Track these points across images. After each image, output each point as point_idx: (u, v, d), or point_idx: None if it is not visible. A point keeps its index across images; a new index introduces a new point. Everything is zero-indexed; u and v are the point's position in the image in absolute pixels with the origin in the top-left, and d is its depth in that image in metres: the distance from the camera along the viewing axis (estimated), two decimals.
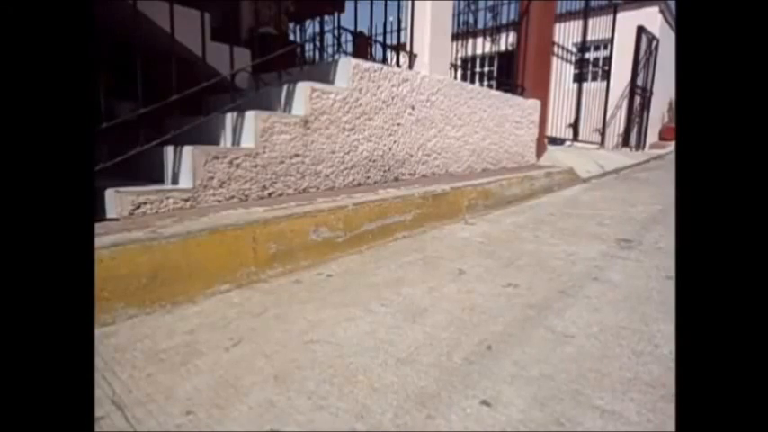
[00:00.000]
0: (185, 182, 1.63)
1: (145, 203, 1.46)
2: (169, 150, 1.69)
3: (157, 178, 1.71)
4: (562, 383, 0.84)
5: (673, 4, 9.52)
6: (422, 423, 0.73)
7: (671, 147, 8.71)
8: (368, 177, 2.42)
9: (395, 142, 2.58)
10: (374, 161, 2.45)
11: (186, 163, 1.62)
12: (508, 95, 3.80)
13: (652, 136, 9.32)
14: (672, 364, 0.92)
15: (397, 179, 2.64)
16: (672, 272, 1.54)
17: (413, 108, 2.69)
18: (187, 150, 1.61)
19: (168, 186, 1.63)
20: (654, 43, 8.05)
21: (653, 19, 8.69)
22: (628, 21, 7.57)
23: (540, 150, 4.49)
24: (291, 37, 4.72)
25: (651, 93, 8.28)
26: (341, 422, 0.74)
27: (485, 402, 0.78)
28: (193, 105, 1.84)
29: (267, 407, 0.77)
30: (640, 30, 7.52)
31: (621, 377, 0.87)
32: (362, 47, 3.12)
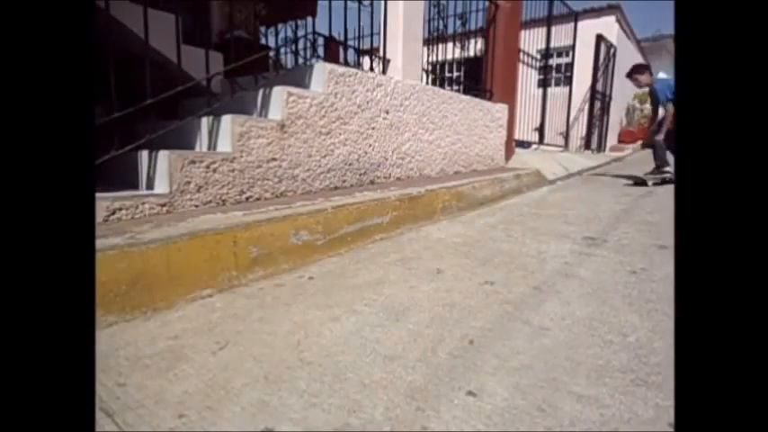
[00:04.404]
0: (161, 187, 1.61)
1: (120, 209, 1.43)
2: (143, 155, 1.66)
3: (132, 184, 1.68)
4: (541, 372, 0.89)
5: (628, 15, 10.01)
6: (412, 415, 0.76)
7: (629, 149, 9.14)
8: (344, 181, 2.44)
9: (370, 146, 2.61)
10: (350, 164, 2.47)
11: (162, 168, 1.60)
12: (477, 100, 3.91)
13: (612, 139, 9.75)
14: (639, 351, 0.99)
15: (372, 182, 2.67)
16: (635, 266, 1.64)
17: (387, 112, 2.73)
18: (163, 155, 1.59)
19: (144, 192, 1.60)
20: (612, 50, 8.44)
21: (610, 28, 9.10)
22: (587, 29, 7.91)
23: (508, 153, 4.63)
24: (264, 41, 4.69)
25: (610, 98, 8.67)
26: (334, 418, 0.76)
27: (471, 393, 0.82)
28: (166, 109, 1.81)
29: (260, 407, 0.79)
30: (599, 38, 7.87)
31: (594, 364, 0.93)
32: (334, 51, 3.15)
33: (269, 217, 1.54)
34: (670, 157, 4.11)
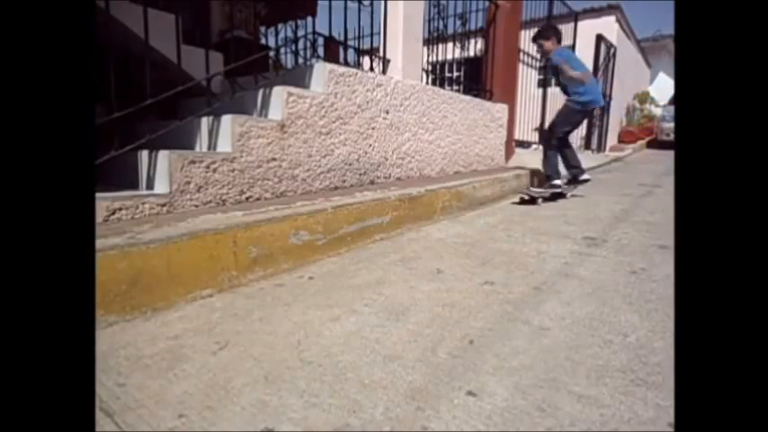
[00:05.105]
0: (161, 187, 1.60)
1: (120, 209, 1.43)
2: (143, 155, 1.66)
3: (132, 184, 1.68)
4: (541, 372, 0.89)
5: (628, 15, 10.00)
6: (412, 415, 0.76)
7: (629, 149, 9.13)
8: (344, 181, 2.44)
9: (370, 146, 2.61)
10: (350, 164, 2.47)
11: (162, 168, 1.59)
12: (478, 100, 3.91)
13: (611, 139, 9.74)
14: (639, 351, 0.99)
15: (372, 182, 2.67)
16: (635, 266, 1.64)
17: (387, 112, 2.73)
18: (163, 155, 1.59)
19: (144, 192, 1.60)
20: (612, 50, 8.43)
21: (610, 28, 9.08)
22: (587, 29, 7.90)
23: (508, 153, 4.63)
24: (264, 41, 4.68)
25: (610, 98, 8.66)
26: (334, 418, 0.76)
27: (471, 393, 0.82)
28: (166, 109, 1.81)
29: (260, 407, 0.79)
30: (599, 38, 7.87)
31: (594, 364, 0.93)
32: (334, 51, 3.15)
33: (269, 217, 1.54)
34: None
